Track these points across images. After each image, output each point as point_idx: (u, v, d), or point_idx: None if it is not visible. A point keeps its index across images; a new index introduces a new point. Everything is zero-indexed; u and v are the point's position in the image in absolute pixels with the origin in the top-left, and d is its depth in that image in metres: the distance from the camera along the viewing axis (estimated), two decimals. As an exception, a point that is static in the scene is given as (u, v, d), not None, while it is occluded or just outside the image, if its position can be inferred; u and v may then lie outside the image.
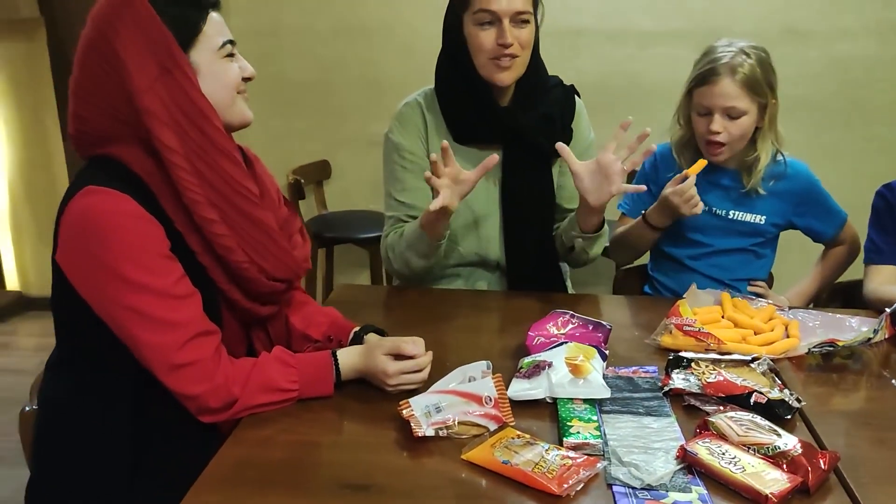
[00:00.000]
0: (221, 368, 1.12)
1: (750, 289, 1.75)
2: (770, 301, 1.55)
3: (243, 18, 3.14)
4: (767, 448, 1.02)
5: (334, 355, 1.21)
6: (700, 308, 1.48)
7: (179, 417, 1.13)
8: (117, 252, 1.05)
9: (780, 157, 1.71)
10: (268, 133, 3.02)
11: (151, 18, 1.07)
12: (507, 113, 1.66)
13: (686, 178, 1.62)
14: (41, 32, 2.98)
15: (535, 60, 1.65)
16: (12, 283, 3.29)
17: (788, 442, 1.02)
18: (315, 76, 3.22)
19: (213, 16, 1.15)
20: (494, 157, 1.50)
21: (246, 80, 1.20)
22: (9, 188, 3.30)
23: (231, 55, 1.18)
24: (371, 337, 1.30)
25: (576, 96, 1.75)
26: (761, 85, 1.63)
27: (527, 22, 1.56)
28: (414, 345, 1.21)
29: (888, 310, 1.41)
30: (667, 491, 0.97)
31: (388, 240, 1.68)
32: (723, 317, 1.46)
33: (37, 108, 3.18)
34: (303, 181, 2.88)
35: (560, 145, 1.56)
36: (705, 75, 1.63)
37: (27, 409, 1.24)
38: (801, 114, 3.04)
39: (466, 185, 1.49)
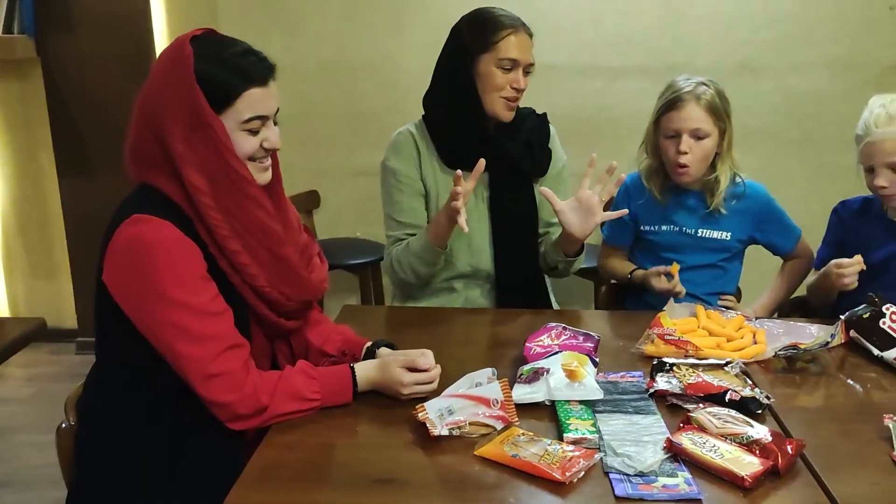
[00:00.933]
0: (250, 379, 1.23)
1: (720, 302, 1.91)
2: (739, 312, 1.71)
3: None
4: (742, 437, 1.16)
5: (352, 369, 1.33)
6: (678, 319, 1.63)
7: (211, 427, 1.23)
8: (162, 273, 1.17)
9: (738, 179, 1.90)
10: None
11: (188, 76, 1.17)
12: (493, 140, 1.85)
13: (668, 273, 1.82)
14: (37, 73, 3.05)
15: None
16: (4, 314, 3.33)
17: (760, 432, 1.16)
18: (301, 111, 3.35)
19: (254, 91, 1.21)
20: (482, 162, 1.69)
21: (269, 150, 1.27)
22: (2, 222, 3.36)
23: (254, 131, 1.23)
24: (384, 351, 1.42)
25: (548, 123, 1.96)
26: (720, 111, 1.83)
27: (531, 73, 1.83)
28: (425, 358, 1.34)
29: (842, 317, 1.57)
30: (656, 476, 1.10)
31: (394, 254, 1.84)
32: (699, 327, 1.61)
33: (31, 146, 3.25)
34: (294, 211, 3.00)
35: (544, 189, 1.76)
36: (673, 101, 1.82)
37: (64, 425, 1.33)
38: (758, 143, 3.25)
39: (469, 194, 1.69)
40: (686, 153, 1.80)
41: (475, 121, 1.82)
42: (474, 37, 1.79)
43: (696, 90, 1.81)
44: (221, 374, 1.20)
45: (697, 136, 1.81)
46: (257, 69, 1.23)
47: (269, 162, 1.30)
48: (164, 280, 1.17)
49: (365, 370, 1.34)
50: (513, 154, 1.85)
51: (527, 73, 1.81)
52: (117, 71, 2.96)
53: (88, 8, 2.96)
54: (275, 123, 1.29)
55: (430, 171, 1.87)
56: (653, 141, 1.90)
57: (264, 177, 1.29)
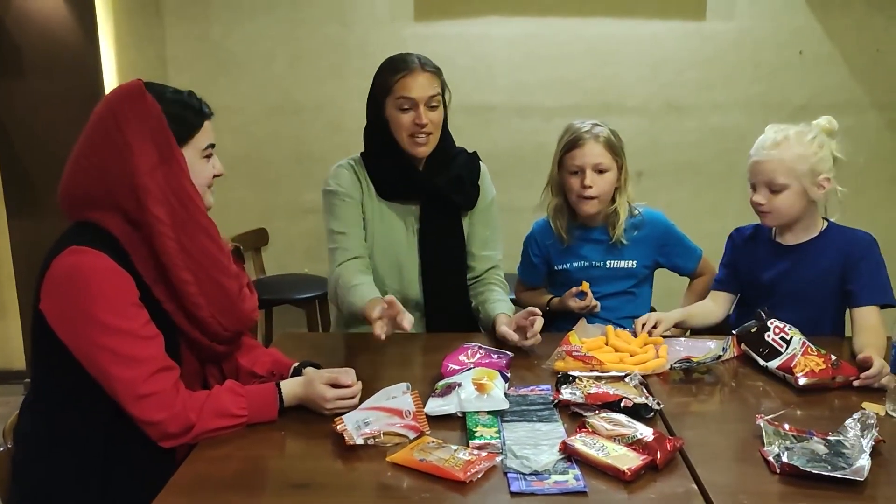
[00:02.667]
0: (180, 398, 1.32)
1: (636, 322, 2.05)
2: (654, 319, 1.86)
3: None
4: (628, 437, 1.29)
5: (278, 386, 1.43)
6: (587, 339, 1.77)
7: (143, 448, 1.31)
8: (96, 300, 1.26)
9: (636, 211, 2.07)
10: (207, 204, 3.25)
11: (158, 115, 1.31)
12: (423, 176, 1.96)
13: (583, 291, 1.97)
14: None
15: (445, 133, 1.97)
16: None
17: (644, 432, 1.29)
18: (250, 151, 3.47)
19: (207, 123, 1.41)
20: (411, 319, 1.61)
21: (216, 176, 1.45)
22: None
23: (209, 156, 1.42)
24: (309, 370, 1.53)
25: (479, 160, 2.07)
26: (617, 148, 2.01)
27: (437, 105, 1.89)
28: (347, 375, 1.45)
29: (734, 332, 1.72)
30: (549, 474, 1.22)
31: (339, 280, 1.88)
32: (605, 344, 1.75)
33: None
34: (242, 248, 3.09)
35: (503, 330, 1.80)
36: (574, 141, 1.99)
37: (1, 448, 1.41)
38: (688, 177, 3.46)
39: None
40: (591, 186, 1.96)
41: (403, 158, 1.94)
42: (378, 83, 1.91)
43: (593, 130, 1.99)
44: (152, 394, 1.29)
45: (599, 169, 1.97)
46: (203, 106, 1.43)
47: (214, 188, 1.46)
48: (98, 306, 1.26)
49: (290, 387, 1.44)
50: (442, 188, 1.97)
51: (432, 107, 1.87)
52: (67, 115, 3.01)
53: (39, 54, 3.06)
54: None
55: (367, 200, 1.97)
56: (557, 181, 2.05)
57: (211, 200, 1.46)
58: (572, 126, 2.02)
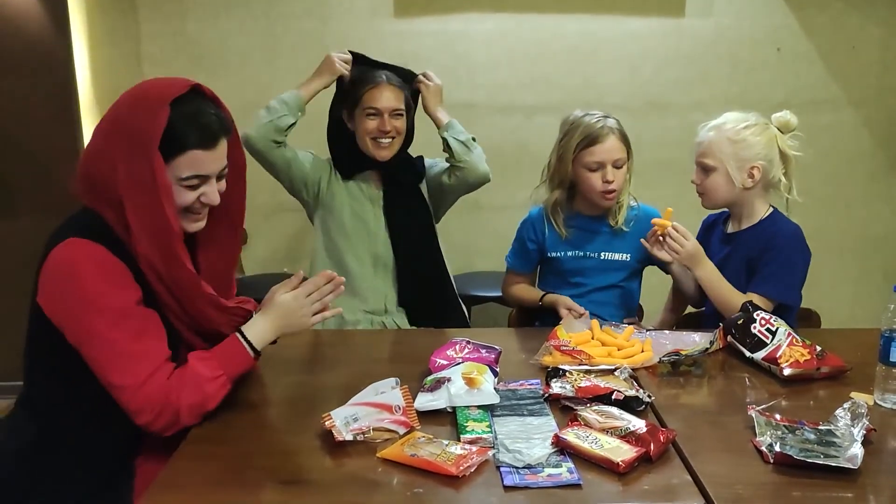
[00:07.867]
0: (165, 391, 1.29)
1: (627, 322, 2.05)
2: (632, 325, 1.85)
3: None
4: (621, 430, 1.28)
5: (239, 331, 1.41)
6: (574, 333, 1.76)
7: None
8: (91, 285, 1.25)
9: (634, 203, 2.07)
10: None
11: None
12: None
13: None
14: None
15: (409, 139, 2.27)
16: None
17: (637, 424, 1.28)
18: (228, 150, 3.41)
19: (195, 153, 1.31)
20: None
21: (204, 204, 1.37)
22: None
23: (193, 186, 1.33)
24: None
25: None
26: (628, 140, 2.00)
27: (401, 115, 2.20)
28: (297, 276, 1.47)
29: (721, 324, 1.72)
30: (543, 467, 1.20)
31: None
32: (592, 338, 1.74)
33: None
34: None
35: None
36: (595, 137, 1.95)
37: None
38: (670, 175, 3.42)
39: None
40: (612, 181, 1.95)
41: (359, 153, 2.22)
42: (351, 91, 2.22)
43: (608, 122, 1.97)
44: (144, 397, 1.28)
45: (617, 165, 1.97)
46: (203, 133, 1.33)
47: (201, 216, 1.40)
48: (91, 288, 1.25)
49: (251, 324, 1.43)
50: (392, 165, 2.22)
51: (396, 115, 2.17)
52: (41, 114, 2.98)
53: (10, 52, 2.99)
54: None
55: (329, 182, 2.27)
56: (568, 175, 2.01)
57: (191, 227, 1.39)
58: (584, 120, 1.98)
